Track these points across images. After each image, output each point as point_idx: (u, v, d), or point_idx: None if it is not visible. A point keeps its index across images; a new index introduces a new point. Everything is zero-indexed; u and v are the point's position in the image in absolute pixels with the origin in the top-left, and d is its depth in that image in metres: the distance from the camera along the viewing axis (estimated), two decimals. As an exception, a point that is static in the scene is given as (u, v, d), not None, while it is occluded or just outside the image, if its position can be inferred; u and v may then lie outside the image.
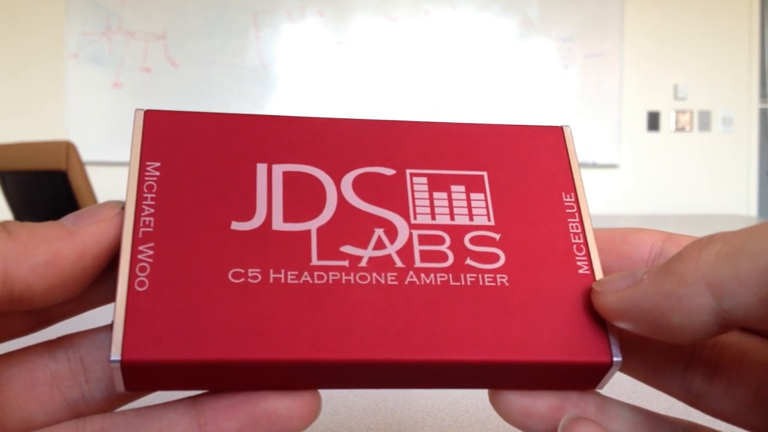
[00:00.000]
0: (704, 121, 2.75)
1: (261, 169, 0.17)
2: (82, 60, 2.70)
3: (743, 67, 2.74)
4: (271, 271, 0.15)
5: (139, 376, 0.14)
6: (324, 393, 0.16)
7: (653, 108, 2.75)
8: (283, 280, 0.15)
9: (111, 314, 0.14)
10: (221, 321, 0.14)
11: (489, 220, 0.17)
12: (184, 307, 0.14)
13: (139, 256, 0.15)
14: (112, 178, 2.74)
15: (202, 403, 0.15)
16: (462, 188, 0.17)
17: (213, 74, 2.74)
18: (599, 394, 0.17)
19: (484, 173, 0.18)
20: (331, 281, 0.15)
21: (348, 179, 0.17)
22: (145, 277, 0.15)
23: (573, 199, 0.18)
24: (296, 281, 0.15)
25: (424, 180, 0.17)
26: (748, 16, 2.73)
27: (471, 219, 0.17)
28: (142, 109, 0.17)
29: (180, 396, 0.15)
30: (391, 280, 0.16)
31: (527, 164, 0.18)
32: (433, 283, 0.16)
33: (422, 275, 0.16)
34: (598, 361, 0.15)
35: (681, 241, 0.17)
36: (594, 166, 2.75)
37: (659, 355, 0.17)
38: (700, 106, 2.75)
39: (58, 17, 2.69)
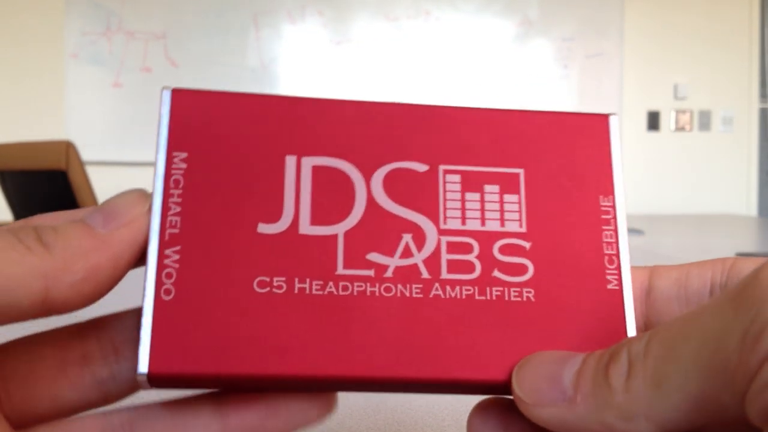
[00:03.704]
0: (704, 121, 2.75)
1: (290, 162, 0.16)
2: (82, 60, 2.69)
3: (743, 67, 2.74)
4: (296, 280, 0.15)
5: (166, 383, 0.15)
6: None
7: (653, 108, 2.75)
8: (307, 291, 0.15)
9: (133, 301, 0.15)
10: (245, 334, 0.14)
11: (521, 226, 0.16)
12: (209, 319, 0.15)
13: (166, 261, 0.15)
14: (112, 178, 2.74)
15: (224, 397, 0.16)
16: (496, 188, 0.17)
17: (213, 74, 2.74)
18: None
19: (521, 171, 0.17)
20: (355, 293, 0.15)
21: (379, 176, 0.16)
22: (171, 284, 0.15)
23: (610, 204, 0.17)
24: (321, 292, 0.15)
25: (458, 178, 0.17)
26: (748, 16, 2.73)
27: (502, 225, 0.16)
28: (168, 88, 0.16)
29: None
30: (416, 293, 0.15)
31: (566, 159, 0.17)
32: (458, 296, 0.16)
33: (447, 288, 0.16)
34: None
35: (664, 273, 0.17)
36: (594, 166, 2.74)
37: None
38: (700, 106, 2.75)
39: (58, 17, 2.69)
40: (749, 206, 2.76)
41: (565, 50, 2.73)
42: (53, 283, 0.14)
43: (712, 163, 2.76)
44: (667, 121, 2.76)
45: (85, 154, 2.77)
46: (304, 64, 2.73)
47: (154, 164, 0.16)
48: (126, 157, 2.76)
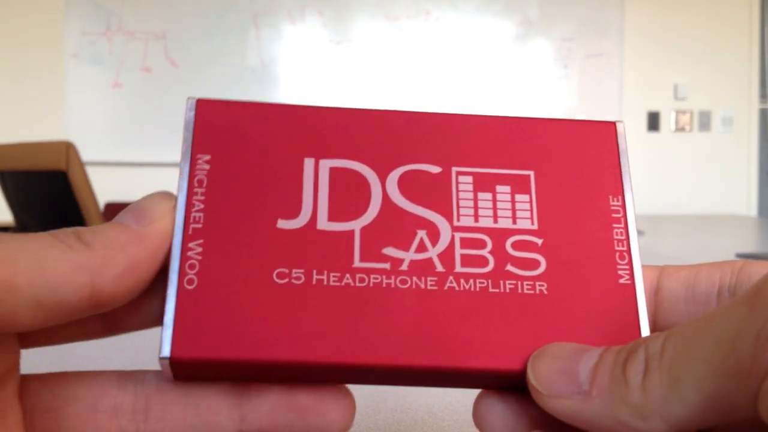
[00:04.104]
0: (704, 121, 2.75)
1: (308, 164, 0.17)
2: (82, 60, 2.70)
3: (743, 67, 2.74)
4: (314, 272, 0.16)
5: (187, 370, 0.15)
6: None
7: (653, 108, 2.75)
8: (325, 282, 0.16)
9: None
10: (265, 322, 0.15)
11: (532, 223, 0.17)
12: (230, 307, 0.15)
13: (189, 253, 0.16)
14: (112, 178, 2.74)
15: (244, 388, 0.16)
16: (507, 189, 0.17)
17: (213, 74, 2.74)
18: None
19: (531, 173, 0.17)
20: (371, 284, 0.16)
21: (394, 177, 0.17)
22: (194, 274, 0.15)
23: (620, 203, 0.17)
24: (338, 283, 0.16)
25: (470, 179, 0.17)
26: (748, 16, 2.73)
27: (514, 222, 0.17)
28: (193, 98, 0.17)
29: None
30: (431, 285, 0.16)
31: (576, 163, 0.18)
32: (472, 289, 0.16)
33: (462, 281, 0.16)
34: None
35: (673, 273, 0.17)
36: (594, 166, 2.74)
37: None
38: (700, 106, 2.75)
39: (58, 17, 2.69)
40: (749, 206, 2.76)
41: (565, 50, 2.73)
42: (98, 277, 0.14)
43: (712, 163, 2.76)
44: (667, 121, 2.76)
45: (85, 154, 2.77)
46: (304, 64, 2.73)
47: (179, 166, 0.17)
48: (126, 157, 2.76)
